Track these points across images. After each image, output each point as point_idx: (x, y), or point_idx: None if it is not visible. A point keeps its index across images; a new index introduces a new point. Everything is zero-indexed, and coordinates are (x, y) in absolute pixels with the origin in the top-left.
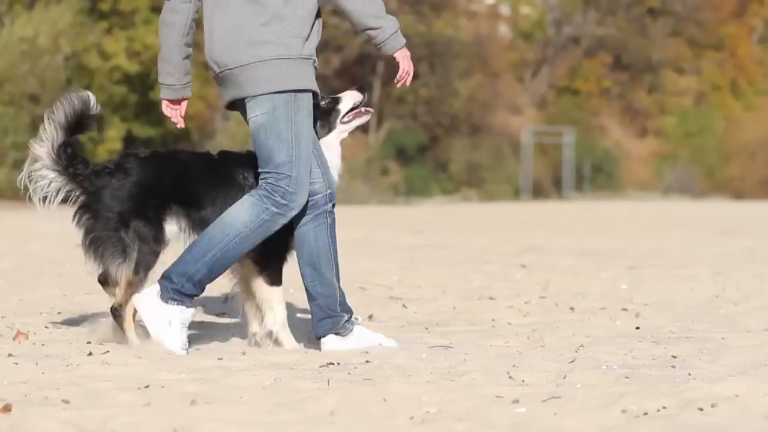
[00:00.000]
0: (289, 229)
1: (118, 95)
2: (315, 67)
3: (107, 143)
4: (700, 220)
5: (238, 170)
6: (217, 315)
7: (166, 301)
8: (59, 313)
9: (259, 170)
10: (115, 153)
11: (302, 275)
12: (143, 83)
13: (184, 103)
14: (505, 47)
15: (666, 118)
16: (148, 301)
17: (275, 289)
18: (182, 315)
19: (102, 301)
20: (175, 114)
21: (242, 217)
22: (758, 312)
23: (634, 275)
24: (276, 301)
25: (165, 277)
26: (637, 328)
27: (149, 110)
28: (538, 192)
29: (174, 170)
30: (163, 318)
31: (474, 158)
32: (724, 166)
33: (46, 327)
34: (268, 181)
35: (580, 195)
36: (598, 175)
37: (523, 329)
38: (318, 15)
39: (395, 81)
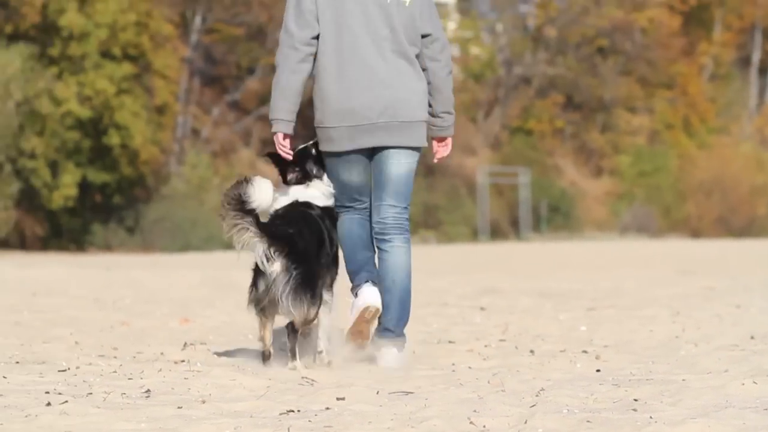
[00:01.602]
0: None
1: (72, 141)
2: None
3: (62, 189)
4: (658, 259)
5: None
6: (174, 362)
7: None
8: (17, 362)
9: (393, 203)
10: (71, 199)
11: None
12: (96, 128)
13: (288, 139)
14: (456, 88)
15: (620, 157)
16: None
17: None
18: None
19: (59, 349)
20: (286, 146)
21: (410, 258)
22: (718, 353)
23: (593, 316)
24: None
25: (400, 335)
26: (598, 370)
27: (103, 155)
28: (496, 233)
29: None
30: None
31: (431, 199)
32: (681, 205)
33: (4, 377)
34: (405, 216)
35: (538, 235)
36: (556, 216)
37: (484, 373)
38: None
39: (436, 158)
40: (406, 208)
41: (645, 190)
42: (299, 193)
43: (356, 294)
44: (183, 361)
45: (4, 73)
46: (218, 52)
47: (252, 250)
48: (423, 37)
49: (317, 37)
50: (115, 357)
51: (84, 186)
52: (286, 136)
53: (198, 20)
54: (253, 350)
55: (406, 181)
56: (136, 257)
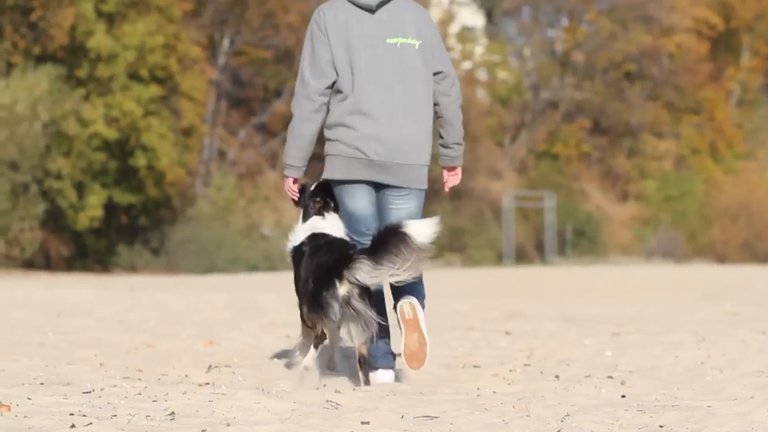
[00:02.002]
0: None
1: (98, 162)
2: None
3: (88, 210)
4: (683, 284)
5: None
6: (199, 385)
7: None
8: (42, 384)
9: None
10: (97, 220)
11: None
12: (122, 150)
13: (297, 182)
14: (483, 112)
15: (646, 182)
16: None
17: None
18: None
19: (84, 370)
20: (295, 190)
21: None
22: (744, 379)
23: (618, 341)
24: None
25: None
26: (623, 396)
27: (129, 177)
28: (521, 257)
29: None
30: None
31: (456, 223)
32: (706, 230)
33: (29, 398)
34: None
35: (563, 260)
36: (581, 240)
37: (509, 398)
38: None
39: (446, 186)
40: None
41: (671, 215)
42: (317, 224)
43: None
44: (208, 383)
45: (31, 94)
46: (245, 75)
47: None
48: (435, 74)
49: (332, 86)
50: (139, 379)
51: (110, 207)
52: (296, 180)
53: (226, 43)
54: (278, 373)
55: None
56: (161, 279)
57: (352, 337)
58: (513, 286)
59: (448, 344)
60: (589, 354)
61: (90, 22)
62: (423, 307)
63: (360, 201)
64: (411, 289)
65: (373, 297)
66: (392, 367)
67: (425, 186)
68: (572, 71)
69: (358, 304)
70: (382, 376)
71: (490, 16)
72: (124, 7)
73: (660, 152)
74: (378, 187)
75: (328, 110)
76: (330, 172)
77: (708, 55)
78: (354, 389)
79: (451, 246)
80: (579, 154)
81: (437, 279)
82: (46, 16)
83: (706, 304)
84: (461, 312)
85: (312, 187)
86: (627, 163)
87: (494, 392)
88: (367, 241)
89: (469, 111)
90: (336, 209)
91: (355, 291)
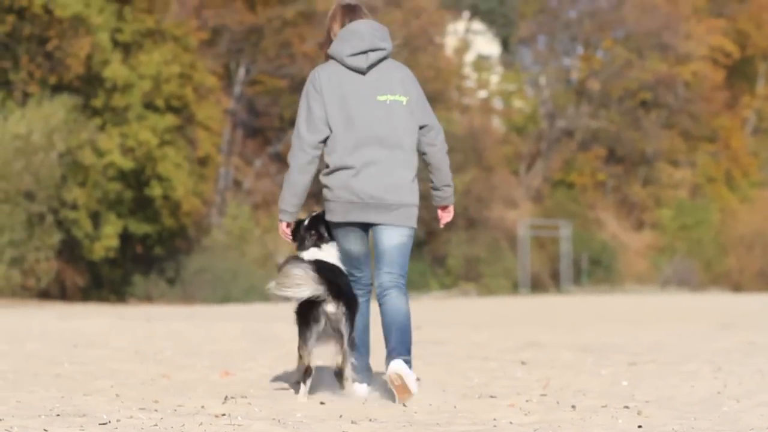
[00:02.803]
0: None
1: (114, 192)
2: None
3: (103, 240)
4: (699, 313)
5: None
6: (215, 416)
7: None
8: (58, 415)
9: (389, 271)
10: (112, 250)
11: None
12: (138, 179)
13: (290, 226)
14: (498, 141)
15: (662, 210)
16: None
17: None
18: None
19: (100, 401)
20: (287, 232)
21: (407, 304)
22: (761, 409)
23: (634, 371)
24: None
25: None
26: (640, 426)
27: (145, 207)
28: (537, 286)
29: None
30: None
31: (471, 252)
32: (722, 259)
33: (45, 430)
34: (401, 281)
35: (579, 288)
36: (596, 269)
37: (525, 429)
38: None
39: (441, 223)
40: (401, 275)
41: (686, 243)
42: (315, 254)
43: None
44: (224, 414)
45: (47, 123)
46: (261, 104)
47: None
48: (421, 127)
49: (324, 141)
50: (155, 410)
51: (125, 237)
52: (289, 224)
53: (242, 72)
54: (295, 404)
55: (399, 252)
56: (176, 308)
57: (333, 353)
58: (529, 316)
59: (464, 374)
60: (606, 384)
61: (106, 52)
62: (409, 361)
63: (354, 242)
64: (400, 339)
65: (355, 317)
66: (368, 382)
67: (415, 225)
68: (588, 100)
69: (341, 325)
70: (359, 390)
71: (505, 44)
72: (140, 37)
73: (675, 181)
74: (371, 225)
75: (321, 160)
76: (328, 216)
77: (724, 83)
78: (370, 420)
79: (466, 275)
80: (594, 182)
81: (453, 308)
82: (62, 46)
83: (722, 333)
84: (477, 342)
85: (306, 222)
86: (642, 192)
87: (511, 423)
88: (358, 273)
89: (485, 140)
90: (331, 238)
91: (340, 311)
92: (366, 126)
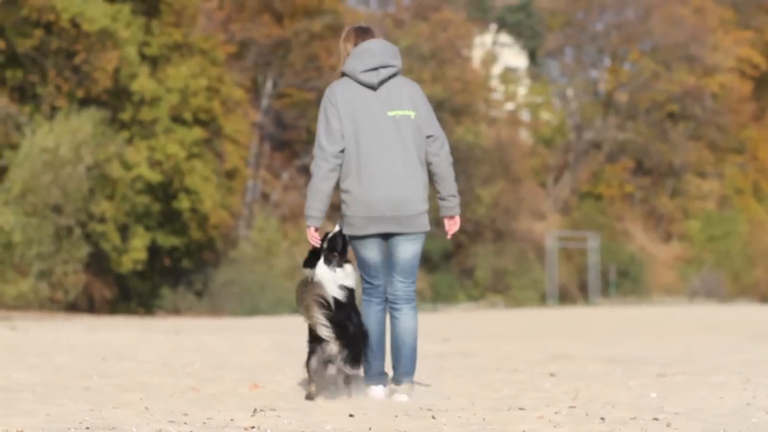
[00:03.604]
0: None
1: (141, 205)
2: None
3: (131, 253)
4: (728, 324)
5: None
6: (244, 429)
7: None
8: (87, 428)
9: (402, 279)
10: (140, 263)
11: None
12: (166, 192)
13: (318, 230)
14: (526, 153)
15: (690, 222)
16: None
17: None
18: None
19: (129, 414)
20: (316, 236)
21: (416, 322)
22: None
23: (663, 383)
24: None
25: (410, 382)
26: None
27: (173, 219)
28: (565, 297)
29: None
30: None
31: (499, 264)
32: (750, 270)
33: None
34: (412, 288)
35: (607, 300)
36: (624, 280)
37: None
38: None
39: (448, 234)
40: (413, 282)
41: (714, 255)
42: (335, 277)
43: (368, 386)
44: (253, 427)
45: (75, 137)
46: (289, 117)
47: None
48: (427, 137)
49: (343, 150)
50: (185, 423)
51: (153, 250)
52: (317, 228)
53: (269, 85)
54: (323, 416)
55: (412, 262)
56: (204, 321)
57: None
58: (557, 328)
59: (493, 386)
60: (635, 396)
61: (134, 66)
62: (412, 380)
63: (372, 251)
64: (410, 359)
65: (360, 355)
66: (384, 384)
67: (428, 228)
68: (615, 111)
69: (341, 365)
70: (375, 393)
71: (533, 57)
72: (168, 50)
73: (703, 192)
74: (388, 235)
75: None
76: (348, 230)
77: (751, 95)
78: None
79: (494, 287)
80: (622, 194)
81: (481, 320)
82: (90, 60)
83: (751, 345)
84: (505, 354)
85: (326, 243)
86: (670, 204)
87: None
88: (376, 282)
89: (512, 152)
90: (345, 259)
91: (342, 354)
92: (376, 140)
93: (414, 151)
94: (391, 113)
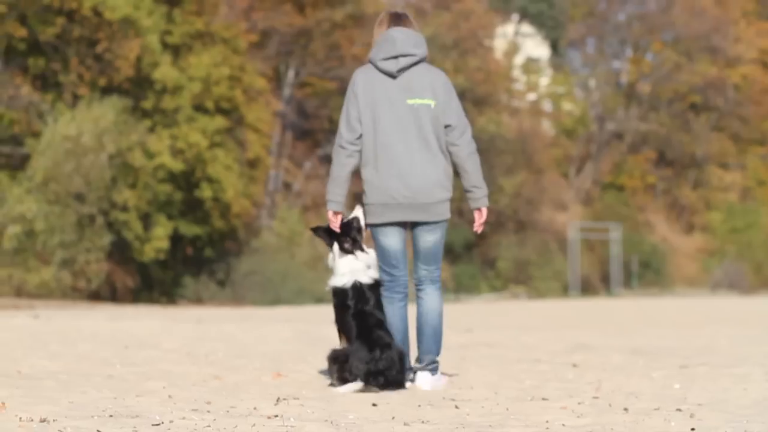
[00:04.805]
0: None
1: (164, 193)
2: None
3: (154, 242)
4: (750, 316)
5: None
6: (268, 417)
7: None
8: (111, 416)
9: (425, 267)
10: (163, 252)
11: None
12: (188, 181)
13: (340, 215)
14: (548, 144)
15: (712, 213)
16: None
17: None
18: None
19: (152, 402)
20: (336, 221)
21: (442, 304)
22: None
23: (686, 374)
24: None
25: (432, 362)
26: (692, 429)
27: (195, 208)
28: (587, 288)
29: None
30: (441, 381)
31: (521, 255)
32: None
33: (98, 430)
34: (436, 274)
35: (629, 291)
36: (646, 272)
37: (578, 431)
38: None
39: (476, 228)
40: (437, 268)
41: (736, 246)
42: (353, 266)
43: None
44: (276, 416)
45: (97, 125)
46: (311, 106)
47: None
48: (446, 126)
49: (360, 137)
50: (208, 411)
51: (175, 239)
52: (336, 213)
53: (291, 74)
54: (347, 405)
55: (433, 250)
56: (227, 310)
57: None
58: (579, 318)
59: (516, 377)
60: (658, 387)
61: (156, 54)
62: (437, 362)
63: (392, 239)
64: (433, 339)
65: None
66: (411, 380)
67: (447, 216)
68: (637, 102)
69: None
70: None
71: (555, 47)
72: (190, 39)
73: (726, 184)
74: (410, 224)
75: (360, 158)
76: (368, 218)
77: None
78: (423, 422)
79: (516, 278)
80: (644, 185)
81: (503, 311)
82: (112, 48)
83: None
84: (528, 344)
85: (342, 224)
86: (692, 195)
87: (563, 425)
88: (396, 273)
89: (534, 142)
90: (359, 247)
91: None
92: (394, 129)
93: (434, 140)
94: (410, 101)
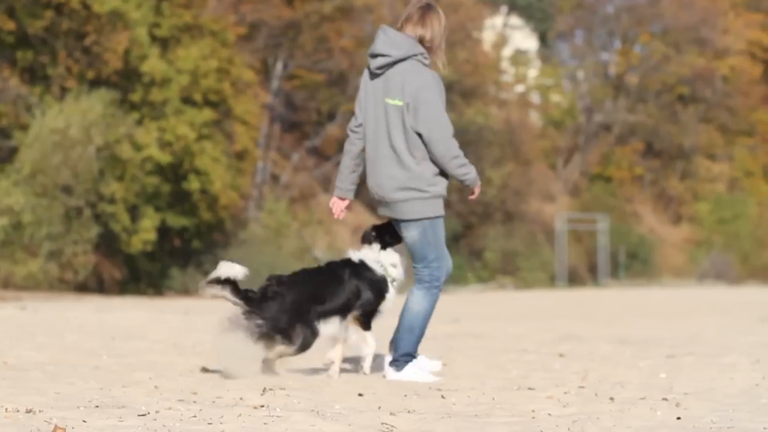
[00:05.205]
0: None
1: (151, 186)
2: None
3: (141, 233)
4: (737, 306)
5: (343, 271)
6: (254, 407)
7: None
8: (97, 406)
9: (414, 264)
10: (150, 244)
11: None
12: (176, 173)
13: (346, 202)
14: (536, 135)
15: (699, 204)
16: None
17: (369, 333)
18: (419, 363)
19: (139, 393)
20: (337, 207)
21: (425, 304)
22: None
23: (672, 364)
24: (369, 338)
25: (404, 355)
26: (678, 418)
27: (182, 200)
28: (574, 279)
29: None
30: (413, 374)
31: (509, 246)
32: (759, 252)
33: (84, 421)
34: (424, 272)
35: (616, 282)
36: (634, 262)
37: (563, 420)
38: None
39: (470, 197)
40: (423, 267)
41: (724, 237)
42: (360, 252)
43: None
44: (262, 406)
45: (85, 118)
46: (299, 99)
47: None
48: (419, 135)
49: (361, 126)
50: (194, 402)
51: (163, 230)
52: (342, 198)
53: (279, 66)
54: (333, 395)
55: (413, 248)
56: (213, 302)
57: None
58: (566, 309)
59: (503, 367)
60: (644, 376)
61: (144, 47)
62: (402, 360)
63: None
64: (400, 335)
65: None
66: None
67: (420, 215)
68: (625, 94)
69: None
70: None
71: (543, 39)
72: (178, 32)
73: (713, 175)
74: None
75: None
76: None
77: (761, 78)
78: (409, 411)
79: (503, 269)
80: (632, 176)
81: (490, 301)
82: (100, 41)
83: (760, 326)
84: (515, 334)
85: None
86: (680, 186)
87: (549, 414)
88: (417, 265)
89: (522, 134)
90: (385, 241)
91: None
92: (372, 126)
93: (401, 142)
94: (387, 100)
